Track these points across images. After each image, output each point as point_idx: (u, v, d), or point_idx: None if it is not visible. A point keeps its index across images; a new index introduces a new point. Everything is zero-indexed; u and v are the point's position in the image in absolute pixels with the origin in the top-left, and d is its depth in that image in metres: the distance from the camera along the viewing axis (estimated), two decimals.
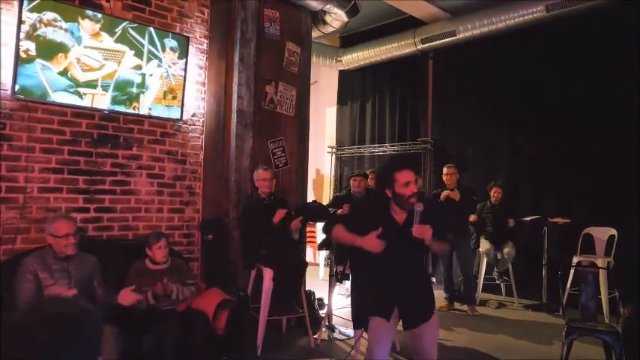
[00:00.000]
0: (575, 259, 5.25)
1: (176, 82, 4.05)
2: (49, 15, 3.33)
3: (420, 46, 6.99)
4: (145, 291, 3.17)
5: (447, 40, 6.67)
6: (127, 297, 2.95)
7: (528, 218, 5.63)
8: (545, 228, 5.55)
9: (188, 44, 4.12)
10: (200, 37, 4.40)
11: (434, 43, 6.83)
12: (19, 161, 3.37)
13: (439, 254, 2.67)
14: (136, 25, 3.77)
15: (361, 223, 2.45)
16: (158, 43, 3.90)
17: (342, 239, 2.50)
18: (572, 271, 4.83)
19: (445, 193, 5.25)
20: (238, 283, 4.16)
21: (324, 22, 5.26)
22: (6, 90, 3.27)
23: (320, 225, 7.18)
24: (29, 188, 3.40)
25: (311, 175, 7.75)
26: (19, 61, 3.22)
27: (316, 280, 6.45)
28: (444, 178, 5.43)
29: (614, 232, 5.24)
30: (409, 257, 2.47)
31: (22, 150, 3.37)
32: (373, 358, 2.42)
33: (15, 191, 3.34)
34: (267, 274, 3.93)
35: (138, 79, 3.81)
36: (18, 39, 3.22)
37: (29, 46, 3.27)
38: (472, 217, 5.68)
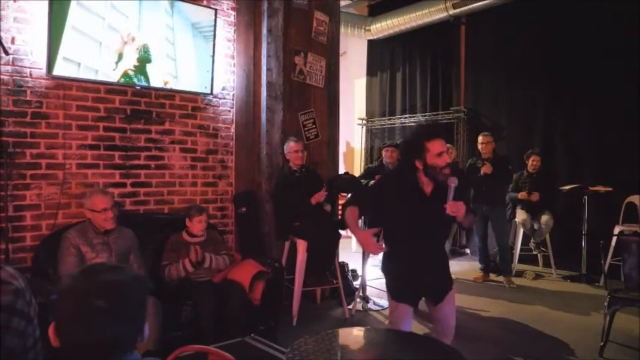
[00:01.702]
0: (617, 229, 5.07)
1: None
2: None
3: (451, 12, 6.75)
4: (180, 261, 3.24)
5: (479, 3, 6.41)
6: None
7: (567, 187, 5.46)
8: (586, 197, 5.37)
9: (216, 17, 4.08)
10: (227, 9, 4.35)
11: (466, 7, 6.57)
12: (57, 138, 3.43)
13: (467, 227, 2.59)
14: None
15: (385, 195, 2.36)
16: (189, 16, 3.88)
17: (347, 223, 2.40)
18: (613, 241, 4.68)
19: (483, 169, 5.13)
20: (273, 254, 4.20)
21: None
22: (40, 69, 3.32)
23: None
24: (68, 164, 3.47)
25: (341, 148, 7.70)
26: (52, 40, 3.25)
27: (349, 252, 6.47)
28: (480, 147, 5.30)
29: None
30: (434, 231, 2.41)
31: (60, 127, 3.44)
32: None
33: (54, 168, 3.42)
34: (301, 245, 3.94)
35: (168, 52, 3.81)
36: (50, 17, 3.24)
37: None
38: (522, 194, 5.52)
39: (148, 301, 1.18)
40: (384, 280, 2.59)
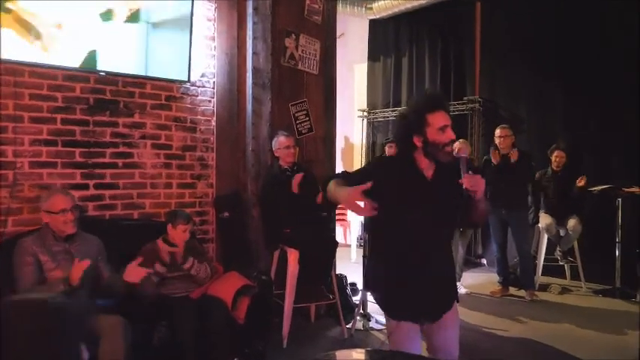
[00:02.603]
0: None
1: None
2: None
3: None
4: (152, 266, 3.23)
5: None
6: (133, 273, 2.97)
7: (598, 188, 5.45)
8: (619, 199, 5.35)
9: None
10: None
11: None
12: (6, 132, 3.38)
13: (481, 221, 2.41)
14: None
15: (375, 179, 2.08)
16: None
17: (332, 194, 2.16)
18: None
19: (493, 159, 5.14)
20: (260, 266, 4.17)
21: None
22: None
23: None
24: (19, 163, 3.42)
25: (339, 144, 7.66)
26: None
27: (348, 262, 6.44)
28: (497, 141, 5.28)
29: None
30: (438, 225, 2.20)
31: (9, 120, 3.38)
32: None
33: (3, 167, 3.36)
34: (293, 255, 3.91)
35: (137, 35, 3.77)
36: None
37: None
38: (581, 181, 5.36)
39: (82, 325, 1.14)
40: None
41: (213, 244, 4.38)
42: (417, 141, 2.16)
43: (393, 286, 2.26)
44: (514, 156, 5.12)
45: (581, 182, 5.38)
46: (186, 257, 3.35)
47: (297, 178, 3.98)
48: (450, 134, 2.14)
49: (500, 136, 5.26)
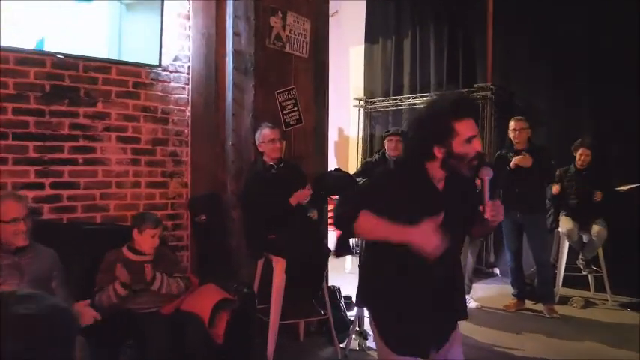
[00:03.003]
0: None
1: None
2: None
3: None
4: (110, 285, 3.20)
5: None
6: (84, 315, 2.94)
7: (625, 187, 5.47)
8: None
9: None
10: None
11: None
12: None
13: (483, 236, 2.43)
14: None
15: (388, 193, 2.12)
16: None
17: (374, 234, 2.13)
18: None
19: (515, 160, 5.11)
20: (241, 277, 4.16)
21: None
22: None
23: None
24: None
25: (332, 137, 7.66)
26: None
27: (342, 273, 6.43)
28: (511, 135, 5.29)
29: None
30: (451, 243, 2.12)
31: None
32: None
33: None
34: (279, 265, 3.90)
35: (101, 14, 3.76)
36: None
37: None
38: (554, 188, 5.55)
39: (75, 335, 1.15)
40: None
41: (188, 252, 4.38)
42: (438, 152, 2.12)
43: (405, 313, 2.20)
44: (525, 162, 5.08)
45: (597, 198, 5.44)
46: (154, 274, 3.30)
47: (304, 195, 3.98)
48: (477, 145, 2.11)
49: (514, 129, 5.27)
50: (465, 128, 2.09)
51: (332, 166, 5.29)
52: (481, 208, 2.12)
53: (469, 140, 2.09)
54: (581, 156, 5.61)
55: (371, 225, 2.08)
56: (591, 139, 5.79)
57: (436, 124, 2.13)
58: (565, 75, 6.45)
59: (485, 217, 2.10)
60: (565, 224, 5.63)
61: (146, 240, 3.38)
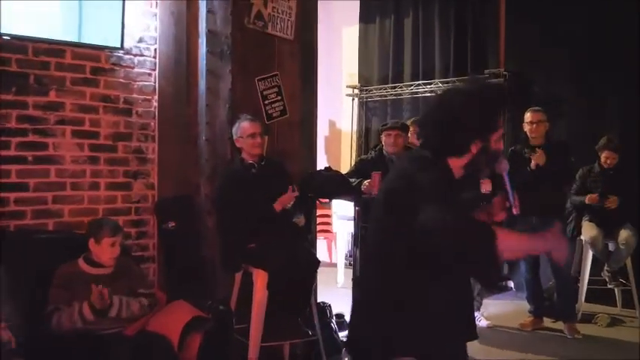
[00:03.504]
0: None
1: None
2: None
3: None
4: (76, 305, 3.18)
5: None
6: None
7: None
8: None
9: None
10: None
11: None
12: None
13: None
14: None
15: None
16: None
17: (519, 249, 2.17)
18: None
19: (534, 159, 5.10)
20: (216, 292, 4.17)
21: None
22: None
23: (339, 205, 7.16)
24: None
25: (322, 131, 7.68)
26: None
27: (333, 287, 6.44)
28: (527, 128, 5.29)
29: None
30: None
31: None
32: None
33: None
34: (260, 278, 3.91)
35: None
36: None
37: None
38: (591, 197, 5.56)
39: None
40: None
41: (155, 265, 4.37)
42: (475, 147, 2.14)
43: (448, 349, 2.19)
44: (538, 159, 5.08)
45: (611, 204, 5.47)
46: (111, 300, 3.24)
47: (288, 198, 4.00)
48: (501, 142, 2.20)
49: (531, 122, 5.27)
50: (501, 122, 2.18)
51: (321, 164, 5.29)
52: (507, 203, 2.13)
53: (500, 138, 2.17)
54: (607, 159, 5.63)
55: (514, 239, 2.06)
56: (617, 140, 5.79)
57: (486, 115, 2.14)
58: (589, 61, 6.48)
59: (514, 212, 2.16)
60: (588, 231, 5.65)
61: (104, 250, 3.36)
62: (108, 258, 3.37)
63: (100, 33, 4.02)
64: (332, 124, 8.99)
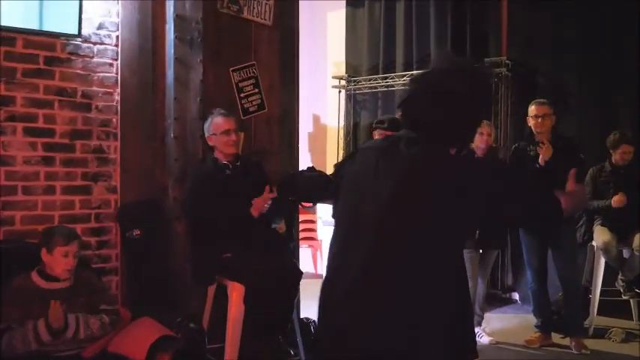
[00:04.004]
0: None
1: None
2: None
3: None
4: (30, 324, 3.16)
5: None
6: None
7: None
8: None
9: None
10: None
11: None
12: None
13: None
14: None
15: None
16: None
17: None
18: None
19: (542, 154, 5.09)
20: (187, 308, 4.16)
21: None
22: None
23: (324, 209, 7.16)
24: None
25: (305, 126, 7.67)
26: None
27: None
28: (532, 122, 5.29)
29: None
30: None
31: None
32: None
33: None
34: (236, 292, 3.90)
35: None
36: None
37: None
38: (616, 199, 5.52)
39: None
40: None
41: (117, 277, 4.35)
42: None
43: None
44: (545, 153, 5.06)
45: (617, 202, 5.49)
46: (66, 319, 3.22)
47: (262, 200, 4.00)
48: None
49: (536, 115, 5.26)
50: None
51: (304, 164, 5.28)
52: None
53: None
54: (624, 154, 5.64)
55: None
56: (631, 133, 5.82)
57: (485, 103, 2.27)
58: (603, 47, 6.52)
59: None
60: (601, 236, 5.65)
61: (58, 261, 3.33)
62: (62, 270, 3.35)
63: (57, 19, 4.00)
64: (316, 119, 8.99)
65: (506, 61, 7.04)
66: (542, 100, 5.43)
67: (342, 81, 8.55)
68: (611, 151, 5.70)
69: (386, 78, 8.06)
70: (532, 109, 5.32)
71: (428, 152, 2.14)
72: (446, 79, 2.19)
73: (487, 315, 5.84)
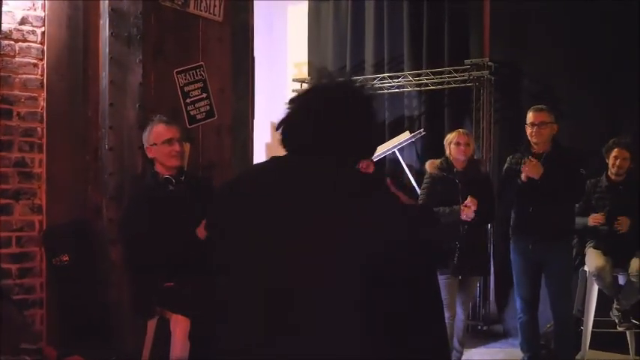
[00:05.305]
0: None
1: None
2: None
3: None
4: None
5: None
6: None
7: None
8: None
9: None
10: None
11: None
12: None
13: None
14: None
15: None
16: None
17: None
18: None
19: (525, 170, 5.08)
20: (123, 346, 4.15)
21: None
22: None
23: None
24: None
25: (262, 137, 7.67)
26: None
27: None
28: (528, 131, 5.19)
29: None
30: None
31: None
32: None
33: None
34: (180, 327, 3.88)
35: None
36: None
37: None
38: (595, 217, 5.62)
39: None
40: None
41: (42, 311, 4.31)
42: None
43: None
44: (530, 171, 5.03)
45: (621, 226, 5.54)
46: None
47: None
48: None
49: (532, 124, 5.23)
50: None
51: None
52: None
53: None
54: (616, 159, 5.65)
55: None
56: (631, 138, 5.88)
57: (362, 112, 2.24)
58: (597, 48, 6.58)
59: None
60: (594, 260, 5.67)
61: None
62: None
63: None
64: (274, 127, 8.98)
65: (489, 63, 7.11)
66: (540, 106, 5.39)
67: (304, 84, 8.55)
68: (607, 159, 5.73)
69: (355, 80, 8.05)
70: (529, 115, 5.29)
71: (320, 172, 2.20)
72: (318, 96, 2.27)
73: (469, 350, 5.84)
